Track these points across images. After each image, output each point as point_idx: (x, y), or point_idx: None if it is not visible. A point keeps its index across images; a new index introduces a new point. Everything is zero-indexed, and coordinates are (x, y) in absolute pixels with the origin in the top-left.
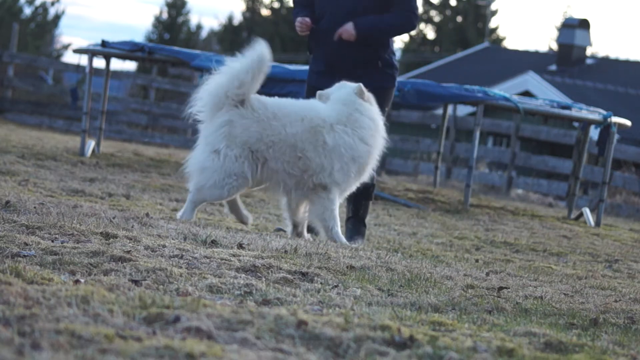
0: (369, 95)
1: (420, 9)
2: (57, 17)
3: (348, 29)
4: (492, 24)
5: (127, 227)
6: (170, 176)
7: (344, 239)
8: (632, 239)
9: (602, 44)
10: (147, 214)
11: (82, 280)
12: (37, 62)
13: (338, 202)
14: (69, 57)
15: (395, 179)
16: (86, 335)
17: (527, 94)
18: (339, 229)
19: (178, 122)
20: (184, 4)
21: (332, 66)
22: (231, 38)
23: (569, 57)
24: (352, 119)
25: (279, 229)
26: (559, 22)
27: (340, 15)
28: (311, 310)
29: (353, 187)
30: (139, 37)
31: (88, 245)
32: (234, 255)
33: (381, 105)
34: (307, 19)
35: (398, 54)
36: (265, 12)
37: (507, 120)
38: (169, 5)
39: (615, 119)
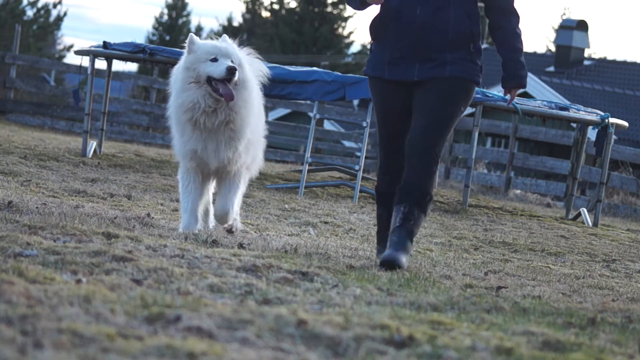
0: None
1: None
2: (59, 19)
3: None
4: None
5: (129, 227)
6: (171, 177)
7: None
8: (629, 239)
9: (600, 46)
10: (148, 214)
11: (84, 280)
12: (40, 63)
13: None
14: (71, 59)
15: None
16: (88, 334)
17: (525, 95)
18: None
19: None
20: (184, 6)
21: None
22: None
23: (566, 59)
24: None
25: None
26: (557, 23)
27: None
28: (311, 309)
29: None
30: (140, 39)
31: (90, 245)
32: (234, 255)
33: None
34: None
35: None
36: (265, 13)
37: (506, 121)
38: (169, 6)
39: (612, 120)
